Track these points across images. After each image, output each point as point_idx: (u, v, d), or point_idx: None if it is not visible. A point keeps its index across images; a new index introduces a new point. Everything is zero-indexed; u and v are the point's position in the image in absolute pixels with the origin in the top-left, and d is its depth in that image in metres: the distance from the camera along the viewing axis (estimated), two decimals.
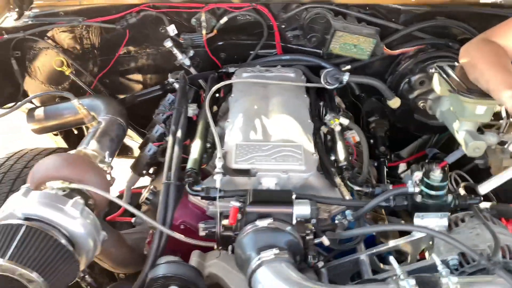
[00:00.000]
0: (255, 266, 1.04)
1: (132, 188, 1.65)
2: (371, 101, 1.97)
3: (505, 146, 1.52)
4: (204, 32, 1.81)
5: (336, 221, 1.23)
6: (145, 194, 1.37)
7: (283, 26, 1.83)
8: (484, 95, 1.30)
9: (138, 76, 2.05)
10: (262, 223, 1.11)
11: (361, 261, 1.24)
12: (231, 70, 1.87)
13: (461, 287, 0.88)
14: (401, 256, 1.42)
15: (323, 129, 1.60)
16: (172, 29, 1.82)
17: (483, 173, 1.67)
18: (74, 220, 1.10)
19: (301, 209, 1.14)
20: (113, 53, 1.94)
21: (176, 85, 1.89)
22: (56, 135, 2.33)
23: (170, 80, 1.90)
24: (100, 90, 2.05)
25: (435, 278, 0.92)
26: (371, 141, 1.84)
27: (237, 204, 1.16)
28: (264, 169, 1.28)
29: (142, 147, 1.66)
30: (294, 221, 1.14)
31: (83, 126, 2.28)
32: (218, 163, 1.24)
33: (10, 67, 1.90)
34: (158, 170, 1.64)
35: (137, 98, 1.99)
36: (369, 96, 1.96)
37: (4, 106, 1.92)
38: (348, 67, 1.84)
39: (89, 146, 1.41)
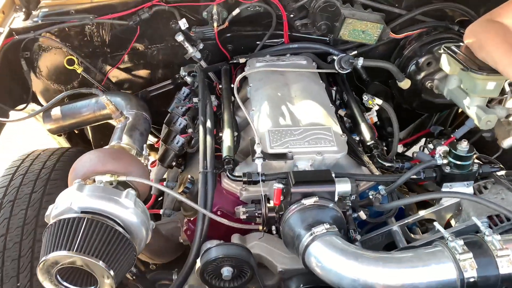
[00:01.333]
0: (309, 241, 1.10)
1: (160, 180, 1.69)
2: (375, 85, 2.06)
3: (511, 119, 1.64)
4: (215, 24, 1.85)
5: (371, 196, 1.31)
6: (183, 184, 1.41)
7: (292, 16, 1.89)
8: (493, 71, 1.41)
9: (147, 72, 2.06)
10: (309, 201, 1.18)
11: (394, 232, 1.33)
12: (241, 60, 1.92)
13: (503, 243, 0.98)
14: (422, 227, 1.53)
15: (341, 112, 1.69)
16: (183, 23, 1.85)
17: (489, 146, 1.80)
18: (128, 210, 1.14)
19: (343, 187, 1.21)
20: (123, 49, 1.95)
21: (188, 79, 1.93)
22: (59, 135, 2.32)
23: (183, 73, 1.93)
24: (110, 87, 2.05)
25: (478, 238, 1.01)
26: (378, 122, 1.93)
27: (280, 185, 1.23)
28: (300, 151, 1.35)
29: (166, 140, 1.69)
30: (336, 198, 1.21)
31: (85, 127, 2.28)
32: (257, 148, 1.30)
33: (19, 68, 1.88)
34: (186, 161, 1.67)
35: (150, 93, 2.01)
36: (372, 80, 2.05)
37: (16, 108, 1.90)
38: (355, 52, 1.92)
39: (123, 141, 1.44)
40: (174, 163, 1.62)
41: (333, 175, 1.24)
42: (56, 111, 1.84)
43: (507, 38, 1.41)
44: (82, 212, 1.10)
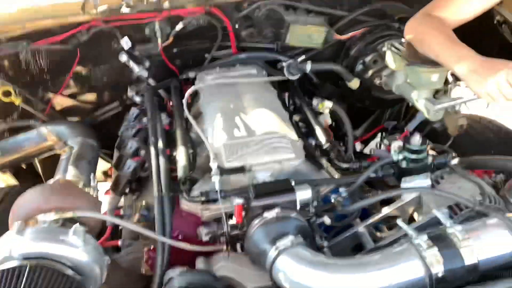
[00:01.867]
0: (275, 256, 1.07)
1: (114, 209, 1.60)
2: (326, 87, 2.07)
3: (457, 108, 1.69)
4: (159, 41, 1.79)
5: (333, 200, 1.30)
6: (138, 211, 1.34)
7: (237, 26, 1.87)
8: (435, 64, 1.45)
9: (93, 95, 1.97)
10: (270, 214, 1.15)
11: (361, 234, 1.32)
12: (191, 75, 1.88)
13: (466, 233, 0.98)
14: (388, 224, 1.53)
15: (295, 118, 1.68)
16: (125, 42, 1.78)
17: (441, 135, 1.85)
18: (77, 249, 1.06)
19: (303, 194, 1.19)
20: (64, 74, 1.85)
21: (137, 98, 1.87)
22: (4, 172, 2.17)
23: (130, 94, 1.86)
24: (55, 116, 1.95)
25: (441, 231, 1.02)
26: (333, 124, 1.94)
27: (240, 201, 1.19)
28: (258, 163, 1.32)
29: (117, 165, 1.61)
30: (298, 207, 1.19)
31: (33, 160, 2.15)
32: (213, 164, 1.25)
33: None
34: (140, 186, 1.60)
35: (97, 118, 1.92)
36: (324, 82, 2.06)
37: None
38: (303, 57, 1.92)
39: (68, 173, 1.35)
40: (127, 190, 1.54)
41: (293, 183, 1.22)
42: None
43: (444, 29, 1.45)
44: (24, 259, 1.01)
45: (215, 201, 1.24)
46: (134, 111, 1.81)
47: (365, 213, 1.42)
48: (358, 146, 2.41)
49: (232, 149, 1.35)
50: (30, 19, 1.71)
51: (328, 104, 1.58)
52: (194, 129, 1.65)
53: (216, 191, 1.23)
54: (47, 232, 1.04)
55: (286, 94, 1.82)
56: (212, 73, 1.81)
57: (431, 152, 1.62)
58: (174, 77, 1.92)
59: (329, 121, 1.65)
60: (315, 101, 1.57)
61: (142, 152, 1.64)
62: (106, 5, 1.68)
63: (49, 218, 1.10)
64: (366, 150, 2.39)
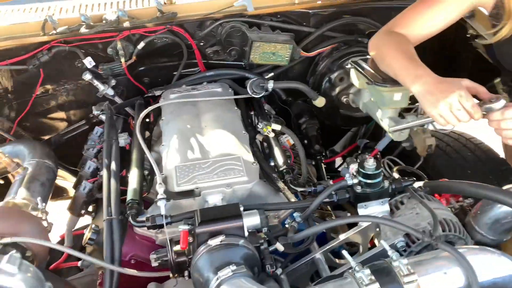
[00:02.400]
0: (215, 286, 1.03)
1: (73, 230, 1.56)
2: (298, 104, 2.04)
3: (425, 126, 1.64)
4: (123, 60, 1.77)
5: (286, 225, 1.26)
6: (87, 234, 1.30)
7: (202, 44, 1.85)
8: (397, 82, 1.41)
9: (60, 114, 1.96)
10: (215, 241, 1.10)
11: (317, 260, 1.27)
12: (157, 93, 1.85)
13: (411, 268, 0.94)
14: (353, 248, 1.48)
15: (259, 137, 1.64)
16: (88, 61, 1.77)
17: (412, 155, 1.80)
18: (13, 278, 1.01)
19: (251, 220, 1.14)
20: (29, 94, 1.84)
21: (102, 117, 1.84)
22: None
23: (95, 112, 1.83)
24: (22, 135, 1.92)
25: (387, 263, 0.97)
26: (305, 141, 1.91)
27: (186, 227, 1.15)
28: (208, 186, 1.28)
29: (76, 186, 1.58)
30: (246, 233, 1.15)
31: (9, 175, 2.12)
32: (160, 189, 1.22)
33: None
34: (97, 207, 1.56)
35: (63, 136, 1.90)
36: (295, 100, 2.03)
37: None
38: (271, 74, 1.90)
39: (18, 195, 1.32)
40: (83, 211, 1.51)
41: (242, 208, 1.17)
42: None
43: (404, 48, 1.41)
44: None
45: (161, 226, 1.20)
46: (98, 130, 1.77)
47: (323, 238, 1.38)
48: (339, 161, 2.38)
49: (184, 172, 1.32)
50: None
51: (275, 127, 1.54)
52: (156, 148, 1.64)
53: (161, 216, 1.19)
54: None
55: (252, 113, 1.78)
56: (177, 91, 1.78)
57: (395, 175, 1.58)
58: (141, 95, 1.90)
59: (292, 141, 1.61)
60: (260, 125, 1.53)
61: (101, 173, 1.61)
62: (66, 26, 1.67)
63: None
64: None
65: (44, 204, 1.29)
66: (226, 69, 1.88)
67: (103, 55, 1.80)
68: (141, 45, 1.75)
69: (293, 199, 1.33)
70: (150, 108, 1.58)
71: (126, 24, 1.68)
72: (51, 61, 1.73)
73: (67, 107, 1.94)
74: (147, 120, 1.77)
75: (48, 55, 1.70)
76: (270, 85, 1.63)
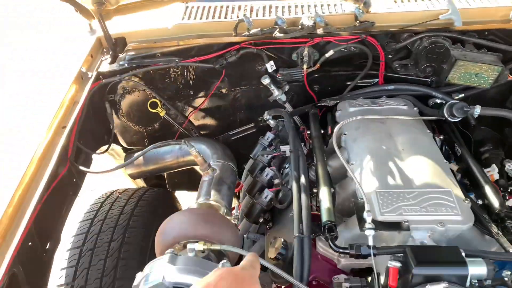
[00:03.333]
0: None
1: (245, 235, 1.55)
2: (482, 130, 1.81)
3: None
4: (305, 67, 1.72)
5: (506, 278, 1.08)
6: (276, 247, 1.26)
7: (390, 56, 1.71)
8: None
9: (228, 114, 1.97)
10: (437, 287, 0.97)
11: None
12: (330, 103, 1.77)
13: None
14: None
15: (452, 167, 1.46)
16: (270, 65, 1.74)
17: None
18: None
19: (477, 270, 0.99)
20: (206, 91, 1.88)
21: (272, 122, 1.81)
22: None
23: (267, 117, 1.81)
24: (191, 130, 1.98)
25: None
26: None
27: (398, 264, 1.03)
28: (416, 220, 1.15)
29: (251, 190, 1.56)
30: (468, 284, 1.00)
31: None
32: (367, 217, 1.11)
33: (103, 110, 1.86)
34: (273, 216, 1.52)
35: (231, 137, 1.91)
36: (479, 125, 1.80)
37: (97, 152, 1.87)
38: (462, 95, 1.71)
39: (211, 197, 1.32)
40: (261, 219, 1.48)
41: (463, 253, 1.02)
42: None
43: None
44: (174, 287, 0.98)
45: (365, 257, 1.09)
46: (269, 135, 1.75)
47: None
48: None
49: (386, 199, 1.20)
50: (184, 36, 1.75)
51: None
52: (331, 162, 1.54)
53: (368, 246, 1.09)
54: (196, 265, 1.00)
55: (441, 137, 1.61)
56: (355, 104, 1.67)
57: None
58: (312, 104, 1.83)
59: (496, 176, 1.40)
60: (509, 165, 1.32)
61: (276, 181, 1.57)
62: (258, 28, 1.65)
63: (197, 248, 1.06)
64: None
65: (238, 212, 1.27)
66: (409, 85, 1.73)
67: (285, 59, 1.76)
68: (329, 53, 1.67)
69: (511, 248, 1.14)
70: (342, 124, 1.48)
71: (320, 31, 1.62)
72: (236, 61, 1.74)
73: (237, 108, 1.95)
74: (322, 131, 1.69)
75: (236, 56, 1.71)
76: (478, 111, 1.44)
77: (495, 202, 1.25)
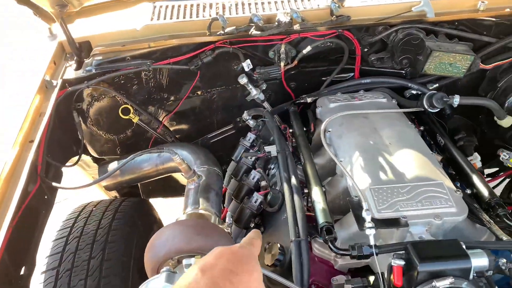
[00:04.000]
0: None
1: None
2: (456, 118, 1.86)
3: None
4: (282, 64, 1.68)
5: (503, 267, 1.09)
6: (273, 254, 1.22)
7: (365, 50, 1.71)
8: None
9: (205, 116, 1.90)
10: (443, 283, 0.97)
11: None
12: (309, 100, 1.75)
13: None
14: None
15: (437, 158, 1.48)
16: (247, 64, 1.69)
17: None
18: None
19: (479, 261, 1.00)
20: (181, 94, 1.80)
21: (251, 122, 1.77)
22: None
23: (246, 117, 1.76)
24: (165, 135, 1.90)
25: None
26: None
27: (402, 262, 1.02)
28: (413, 215, 1.14)
29: (238, 195, 1.51)
30: (471, 276, 1.00)
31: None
32: (367, 216, 1.09)
33: (71, 120, 1.74)
34: (263, 221, 1.48)
35: (210, 140, 1.85)
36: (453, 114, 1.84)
37: (66, 164, 1.74)
38: (436, 85, 1.74)
39: (200, 206, 1.26)
40: (252, 225, 1.43)
41: (464, 246, 1.03)
42: (113, 167, 1.68)
43: None
44: None
45: (367, 257, 1.08)
46: (250, 136, 1.71)
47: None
48: None
49: (381, 196, 1.19)
50: (155, 37, 1.67)
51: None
52: (317, 160, 1.52)
53: (369, 246, 1.07)
54: None
55: (421, 129, 1.62)
56: (335, 99, 1.66)
57: None
58: (291, 101, 1.80)
59: (478, 164, 1.43)
60: (505, 155, 1.33)
61: (263, 183, 1.53)
62: (234, 26, 1.60)
63: (194, 262, 1.00)
64: None
65: (231, 219, 1.21)
66: (385, 77, 1.74)
67: (262, 57, 1.72)
68: (307, 49, 1.64)
69: (504, 236, 1.16)
70: (327, 122, 1.46)
71: (297, 27, 1.58)
72: (211, 62, 1.67)
73: (214, 110, 1.89)
74: (305, 129, 1.67)
75: (211, 56, 1.64)
76: (457, 100, 1.46)
77: (484, 191, 1.27)
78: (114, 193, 2.29)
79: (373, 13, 1.62)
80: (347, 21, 1.61)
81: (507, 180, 1.94)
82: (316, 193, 1.28)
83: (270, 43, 1.64)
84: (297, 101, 1.78)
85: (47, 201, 1.47)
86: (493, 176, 2.07)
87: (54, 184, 1.43)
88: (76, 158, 1.78)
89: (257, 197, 1.41)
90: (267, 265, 1.24)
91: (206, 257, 0.73)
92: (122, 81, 1.71)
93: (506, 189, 1.96)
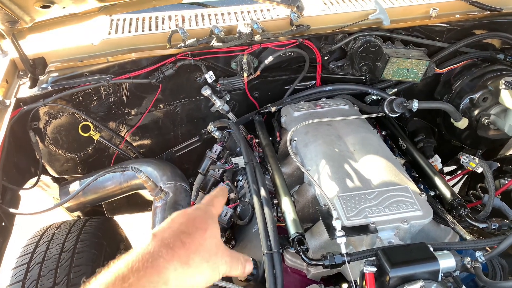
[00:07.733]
0: None
1: None
2: (415, 121, 1.93)
3: None
4: (245, 74, 1.68)
5: (468, 265, 1.13)
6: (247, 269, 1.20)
7: (326, 58, 1.74)
8: None
9: (169, 129, 1.87)
10: (414, 287, 0.99)
11: None
12: (273, 109, 1.75)
13: None
14: None
15: (400, 162, 1.52)
16: (210, 76, 1.68)
17: None
18: None
19: (446, 263, 1.03)
20: (142, 108, 1.76)
21: (216, 133, 1.75)
22: None
23: (211, 129, 1.74)
24: (128, 151, 1.85)
25: None
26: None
27: (374, 269, 1.04)
28: (381, 220, 1.16)
29: None
30: (440, 278, 1.03)
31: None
32: (337, 224, 1.10)
33: (27, 140, 1.66)
34: (233, 234, 1.46)
35: (176, 153, 1.81)
36: (411, 117, 1.90)
37: (24, 187, 1.66)
38: (395, 90, 1.79)
39: None
40: (223, 239, 1.41)
41: (431, 248, 1.06)
42: (75, 187, 1.61)
43: None
44: None
45: (339, 265, 1.09)
46: (216, 147, 1.69)
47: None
48: None
49: (349, 203, 1.21)
50: (113, 52, 1.62)
51: (482, 164, 1.32)
52: (283, 169, 1.52)
53: (341, 254, 1.08)
54: None
55: (383, 133, 1.66)
56: (298, 107, 1.67)
57: None
58: (256, 111, 1.80)
59: (439, 166, 1.48)
60: (465, 158, 1.37)
61: (232, 196, 1.52)
62: (194, 38, 1.58)
63: None
64: None
65: None
66: (346, 84, 1.77)
67: (224, 68, 1.71)
68: (269, 59, 1.65)
69: (467, 235, 1.21)
70: (293, 130, 1.47)
71: (258, 37, 1.59)
72: (173, 74, 1.64)
73: (178, 122, 1.86)
74: (271, 138, 1.67)
75: (173, 69, 1.62)
76: (415, 105, 1.50)
77: (446, 192, 1.31)
78: (77, 213, 2.21)
79: (331, 22, 1.66)
80: (307, 30, 1.63)
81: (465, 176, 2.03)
82: (286, 204, 1.28)
83: (232, 54, 1.64)
84: (262, 111, 1.78)
85: (4, 229, 1.39)
86: (452, 174, 2.17)
87: (11, 210, 1.36)
88: (34, 179, 1.70)
89: (227, 210, 1.39)
90: (240, 280, 1.23)
91: (162, 223, 0.73)
92: (80, 98, 1.65)
93: (465, 185, 2.05)
